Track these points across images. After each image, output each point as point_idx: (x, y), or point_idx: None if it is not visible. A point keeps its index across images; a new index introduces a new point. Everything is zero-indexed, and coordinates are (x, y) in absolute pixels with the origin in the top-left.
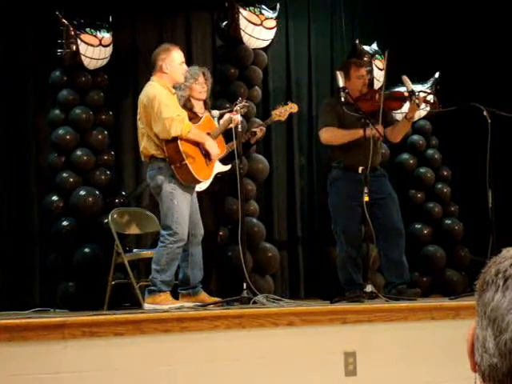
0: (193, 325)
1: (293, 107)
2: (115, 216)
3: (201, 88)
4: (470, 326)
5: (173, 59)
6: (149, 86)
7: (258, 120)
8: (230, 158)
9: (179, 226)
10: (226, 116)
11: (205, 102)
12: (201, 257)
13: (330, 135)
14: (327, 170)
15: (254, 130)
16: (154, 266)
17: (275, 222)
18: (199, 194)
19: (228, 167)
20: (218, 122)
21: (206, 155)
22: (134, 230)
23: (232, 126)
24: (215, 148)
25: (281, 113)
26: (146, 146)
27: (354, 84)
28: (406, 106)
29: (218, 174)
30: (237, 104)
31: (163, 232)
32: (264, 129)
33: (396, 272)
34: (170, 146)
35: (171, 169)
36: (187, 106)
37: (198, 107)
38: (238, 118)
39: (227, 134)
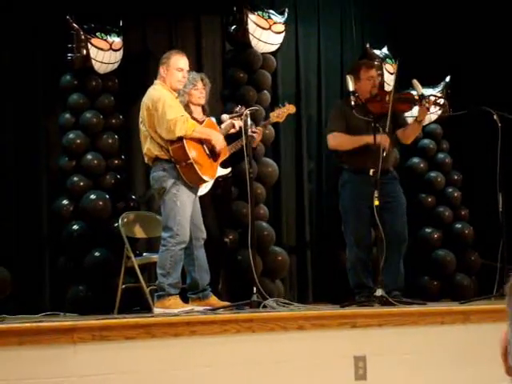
0: (202, 329)
1: (290, 108)
2: (125, 220)
3: (199, 93)
4: (503, 331)
5: (170, 64)
6: (152, 89)
7: (261, 123)
8: (230, 162)
9: (181, 228)
10: (228, 120)
11: (203, 107)
12: (205, 259)
13: (337, 142)
14: (338, 171)
15: (252, 132)
16: (159, 271)
17: (284, 226)
18: (201, 197)
19: (228, 170)
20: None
21: (211, 154)
22: (144, 233)
23: (234, 131)
24: (222, 141)
25: (279, 114)
26: (149, 147)
27: (364, 85)
28: (416, 109)
29: (219, 177)
30: (236, 109)
31: (164, 234)
32: (262, 130)
33: (391, 277)
34: (175, 146)
35: (176, 170)
36: (186, 111)
37: (197, 113)
38: (239, 122)
39: (227, 137)
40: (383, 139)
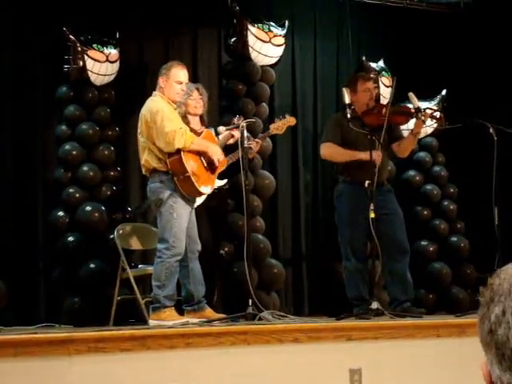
0: (198, 341)
1: (290, 120)
2: (121, 231)
3: (195, 103)
4: (482, 363)
5: (170, 76)
6: (150, 100)
7: (260, 135)
8: (226, 173)
9: (177, 240)
10: (226, 131)
11: (201, 117)
12: (201, 271)
13: (329, 151)
14: (334, 183)
15: (249, 144)
16: (154, 283)
17: (280, 239)
18: (196, 208)
19: (224, 182)
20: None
21: (208, 167)
22: (139, 245)
23: (232, 141)
24: (218, 154)
25: (278, 126)
26: (147, 159)
27: (361, 97)
28: (412, 122)
29: (215, 188)
30: (234, 120)
31: (160, 246)
32: (260, 142)
33: (400, 288)
34: (173, 158)
35: (173, 182)
36: (184, 122)
37: (195, 123)
38: (238, 133)
39: (224, 149)
40: (376, 155)
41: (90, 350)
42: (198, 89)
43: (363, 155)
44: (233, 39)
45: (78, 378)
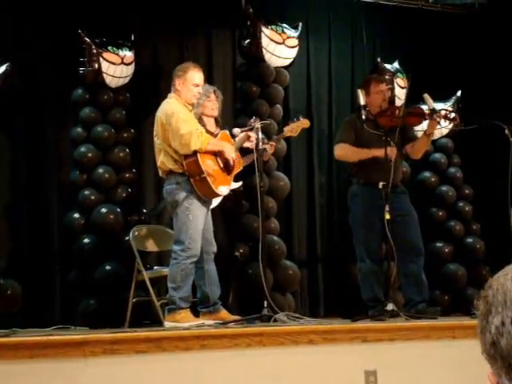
0: (213, 343)
1: (304, 123)
2: (136, 233)
3: (212, 105)
4: (488, 374)
5: (187, 79)
6: (166, 102)
7: (274, 137)
8: (241, 175)
9: (192, 242)
10: (242, 133)
11: (216, 119)
12: (216, 273)
13: (343, 152)
14: (348, 185)
15: (264, 146)
16: (170, 285)
17: (295, 240)
18: (211, 210)
19: (239, 184)
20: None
21: (225, 168)
22: (154, 247)
23: (248, 144)
24: (233, 153)
25: (293, 129)
26: (163, 160)
27: (374, 99)
28: (426, 123)
29: (230, 190)
30: (250, 121)
31: (175, 247)
32: (275, 144)
33: (415, 289)
34: (190, 159)
35: (189, 183)
36: (200, 123)
37: (210, 125)
38: (254, 135)
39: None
40: (391, 151)
41: (105, 351)
42: (214, 91)
43: (377, 152)
44: (246, 41)
45: (93, 379)
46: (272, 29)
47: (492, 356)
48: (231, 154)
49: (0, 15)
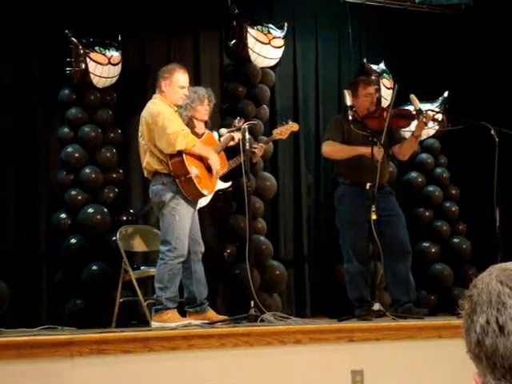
0: (200, 342)
1: (293, 126)
2: (123, 233)
3: (204, 110)
4: (474, 374)
5: (173, 81)
6: (151, 103)
7: (262, 138)
8: (230, 176)
9: (179, 242)
10: (227, 134)
11: (205, 122)
12: (203, 273)
13: (330, 148)
14: (334, 186)
15: (253, 148)
16: (157, 285)
17: (282, 240)
18: (200, 210)
19: (228, 184)
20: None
21: (210, 170)
22: (141, 247)
23: (232, 143)
24: (218, 164)
25: (281, 131)
26: (149, 161)
27: (362, 102)
28: (414, 124)
29: (219, 191)
30: (235, 122)
31: (162, 248)
32: (264, 146)
33: (402, 290)
34: (175, 160)
35: (175, 184)
36: (189, 125)
37: (199, 127)
38: (238, 135)
39: (228, 152)
40: (377, 151)
41: (92, 351)
42: (209, 96)
43: (364, 149)
44: (233, 41)
45: (81, 379)
46: (258, 29)
47: (477, 355)
48: (215, 164)
49: None
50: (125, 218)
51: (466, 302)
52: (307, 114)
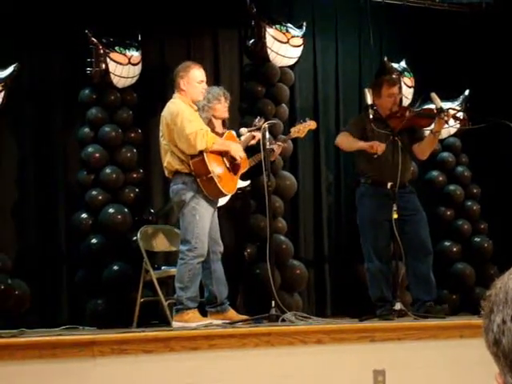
0: (221, 342)
1: (311, 124)
2: (144, 233)
3: (223, 107)
4: (496, 374)
5: (191, 77)
6: (171, 103)
7: (281, 136)
8: (248, 174)
9: (199, 242)
10: (248, 133)
11: (223, 120)
12: (223, 272)
13: (341, 139)
14: (355, 185)
15: (271, 146)
16: (177, 285)
17: (302, 240)
18: (219, 209)
19: (247, 183)
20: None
21: (231, 168)
22: (162, 247)
23: (253, 142)
24: (240, 151)
25: (299, 130)
26: (169, 161)
27: (385, 102)
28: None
29: (238, 189)
30: (255, 121)
31: (182, 248)
32: (282, 145)
33: (424, 289)
34: (196, 159)
35: (196, 183)
36: (209, 126)
37: (218, 126)
38: (259, 135)
39: (246, 151)
40: (378, 145)
41: (113, 351)
42: (224, 93)
43: (363, 144)
44: (251, 41)
45: (102, 379)
46: (276, 28)
47: (495, 354)
48: (238, 152)
49: (7, 16)
50: (145, 218)
51: (486, 302)
52: (327, 113)
